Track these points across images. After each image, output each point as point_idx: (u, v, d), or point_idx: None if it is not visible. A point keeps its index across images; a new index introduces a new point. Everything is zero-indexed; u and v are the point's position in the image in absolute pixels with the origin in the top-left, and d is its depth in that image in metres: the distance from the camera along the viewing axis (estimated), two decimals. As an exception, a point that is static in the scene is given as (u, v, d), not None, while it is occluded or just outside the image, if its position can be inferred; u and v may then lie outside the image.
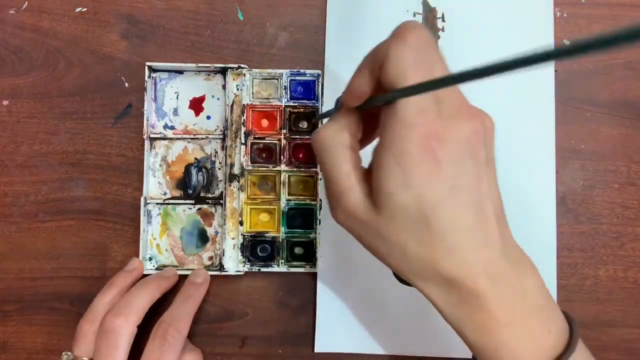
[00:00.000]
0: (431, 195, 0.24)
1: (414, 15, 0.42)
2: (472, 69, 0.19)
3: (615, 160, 0.41)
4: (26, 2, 0.42)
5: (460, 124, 0.25)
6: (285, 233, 0.40)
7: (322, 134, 0.27)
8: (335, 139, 0.27)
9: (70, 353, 0.35)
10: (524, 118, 0.41)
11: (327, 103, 0.41)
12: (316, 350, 0.39)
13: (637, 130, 0.41)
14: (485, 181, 0.26)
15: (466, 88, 0.43)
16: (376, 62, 0.25)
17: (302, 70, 0.40)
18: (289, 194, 0.40)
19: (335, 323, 0.39)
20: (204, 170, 0.41)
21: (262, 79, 0.41)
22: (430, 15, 0.42)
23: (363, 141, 0.30)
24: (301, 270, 0.40)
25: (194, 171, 0.41)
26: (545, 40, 0.41)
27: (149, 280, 0.37)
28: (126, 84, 0.41)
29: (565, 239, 0.40)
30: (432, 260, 0.25)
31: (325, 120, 0.35)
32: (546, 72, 0.41)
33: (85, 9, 0.42)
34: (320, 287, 0.39)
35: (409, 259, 0.26)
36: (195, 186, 0.41)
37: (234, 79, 0.40)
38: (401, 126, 0.24)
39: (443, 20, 0.42)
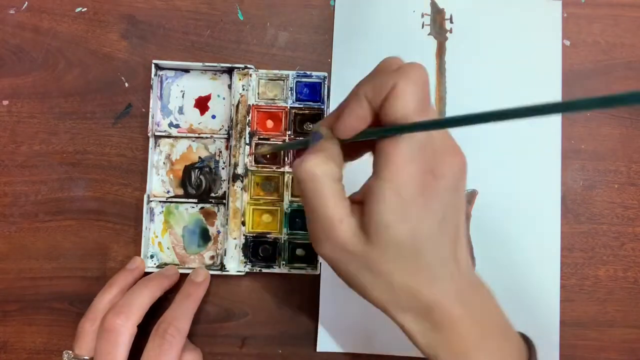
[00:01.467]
0: (424, 230, 0.25)
1: (422, 16, 0.42)
2: (479, 113, 0.20)
3: (615, 160, 0.41)
4: (26, 2, 0.42)
5: (451, 161, 0.26)
6: (287, 234, 0.40)
7: (308, 164, 0.26)
8: (323, 171, 0.26)
9: (71, 352, 0.35)
10: (531, 119, 0.41)
11: (334, 105, 0.41)
12: (318, 349, 0.39)
13: (637, 130, 0.41)
14: (462, 212, 0.28)
15: (473, 87, 0.43)
16: (378, 95, 0.25)
17: (308, 72, 0.40)
18: (292, 196, 0.40)
19: (337, 323, 0.39)
20: (206, 170, 0.41)
21: (268, 79, 0.41)
22: (438, 17, 0.42)
23: None
24: (302, 272, 0.40)
25: (193, 174, 0.41)
26: (552, 43, 0.41)
27: (150, 279, 0.37)
28: (126, 84, 0.41)
29: (565, 239, 0.40)
30: (416, 289, 0.26)
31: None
32: (553, 73, 0.41)
33: (85, 9, 0.42)
34: (323, 287, 0.39)
35: (393, 289, 0.26)
36: (198, 187, 0.41)
37: (240, 79, 0.40)
38: (404, 161, 0.25)
39: (451, 22, 0.42)
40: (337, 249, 0.26)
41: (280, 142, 0.40)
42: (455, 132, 0.41)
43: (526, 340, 0.30)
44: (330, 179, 0.26)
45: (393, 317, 0.28)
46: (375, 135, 0.26)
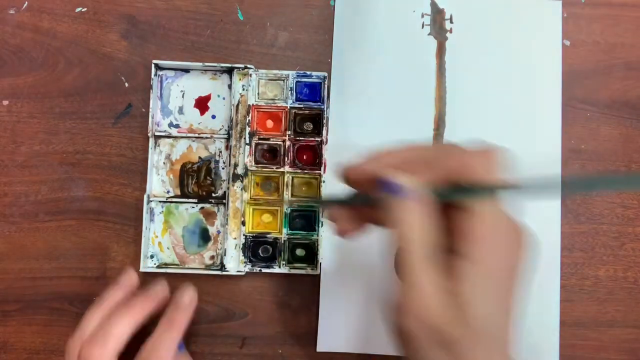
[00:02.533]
0: (510, 320, 0.25)
1: (422, 16, 0.42)
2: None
3: (615, 160, 0.41)
4: (26, 2, 0.42)
5: (526, 241, 0.25)
6: (287, 234, 0.40)
7: (408, 235, 0.24)
8: (420, 236, 0.24)
9: None
10: (531, 117, 0.41)
11: (334, 105, 0.41)
12: (318, 349, 0.39)
13: (637, 130, 0.41)
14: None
15: (473, 87, 0.43)
16: (445, 169, 0.25)
17: (308, 72, 0.40)
18: (292, 196, 0.40)
19: (337, 323, 0.39)
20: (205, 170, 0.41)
21: (268, 79, 0.41)
22: (438, 17, 0.42)
23: (350, 230, 0.28)
24: (302, 272, 0.39)
25: (193, 175, 0.41)
26: (552, 43, 0.41)
27: (133, 305, 0.35)
28: (126, 84, 0.41)
29: (565, 239, 0.40)
30: None
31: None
32: (553, 73, 0.41)
33: (85, 9, 0.42)
34: (323, 287, 0.39)
35: None
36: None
37: (240, 79, 0.40)
38: (491, 243, 0.24)
39: (451, 22, 0.42)
40: (424, 324, 0.24)
41: (314, 198, 0.39)
42: (455, 131, 0.41)
43: None
44: (428, 246, 0.25)
45: None
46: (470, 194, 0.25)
